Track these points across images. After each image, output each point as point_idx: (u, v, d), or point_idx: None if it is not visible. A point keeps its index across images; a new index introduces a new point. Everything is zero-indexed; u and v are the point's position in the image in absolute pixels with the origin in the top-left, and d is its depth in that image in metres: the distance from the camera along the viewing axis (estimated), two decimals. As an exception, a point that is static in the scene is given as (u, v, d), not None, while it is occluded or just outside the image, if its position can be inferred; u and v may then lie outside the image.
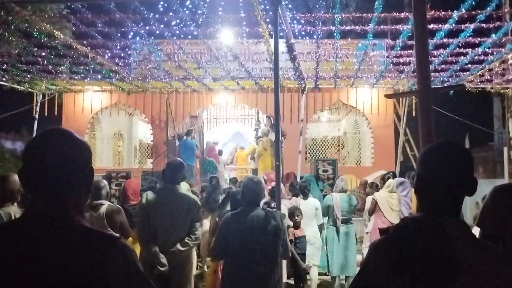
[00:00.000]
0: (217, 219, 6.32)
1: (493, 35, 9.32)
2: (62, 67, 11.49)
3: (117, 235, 1.50)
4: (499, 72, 11.37)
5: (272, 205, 5.70)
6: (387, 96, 11.32)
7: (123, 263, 1.44)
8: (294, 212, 6.93)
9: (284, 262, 5.88)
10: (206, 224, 7.37)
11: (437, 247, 1.48)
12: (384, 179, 8.02)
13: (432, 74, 11.09)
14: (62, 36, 8.74)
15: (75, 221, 1.46)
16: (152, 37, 10.01)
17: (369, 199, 7.94)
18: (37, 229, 1.40)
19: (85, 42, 9.68)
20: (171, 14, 8.80)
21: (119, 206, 5.17)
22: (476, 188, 1.62)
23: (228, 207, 5.82)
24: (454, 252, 1.48)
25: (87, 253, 1.39)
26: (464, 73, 11.65)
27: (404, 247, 1.51)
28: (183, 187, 6.03)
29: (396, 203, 7.28)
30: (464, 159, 1.63)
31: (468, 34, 8.87)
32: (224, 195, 7.70)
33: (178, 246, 4.53)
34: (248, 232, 3.92)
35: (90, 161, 1.56)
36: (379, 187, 8.58)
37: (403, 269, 1.49)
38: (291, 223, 6.87)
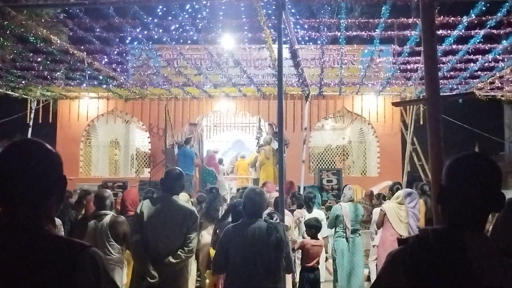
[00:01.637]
0: (217, 231, 6.31)
1: (504, 41, 9.35)
2: (57, 73, 11.55)
3: (88, 243, 1.54)
4: (510, 79, 11.39)
5: (275, 217, 5.70)
6: (394, 104, 11.35)
7: (92, 271, 1.48)
8: (313, 225, 6.83)
9: (288, 277, 5.86)
10: (206, 235, 7.34)
11: (457, 262, 1.48)
12: (392, 189, 8.01)
13: (441, 81, 11.12)
14: (58, 41, 8.80)
15: (45, 230, 1.52)
16: (151, 42, 10.07)
17: (376, 211, 7.92)
18: (5, 238, 1.47)
19: (82, 47, 9.72)
20: (170, 18, 8.89)
21: (123, 217, 5.19)
22: (503, 203, 1.61)
23: (230, 219, 5.81)
24: (475, 268, 1.47)
25: (55, 261, 1.45)
26: (474, 80, 11.68)
27: (423, 259, 1.51)
28: (183, 198, 6.03)
29: (404, 215, 7.26)
30: (493, 172, 1.62)
31: (478, 40, 8.90)
32: (225, 205, 7.70)
33: (170, 258, 4.51)
34: (249, 245, 3.92)
35: (60, 171, 1.63)
36: (386, 198, 8.57)
37: (420, 282, 1.49)
38: (295, 235, 6.86)
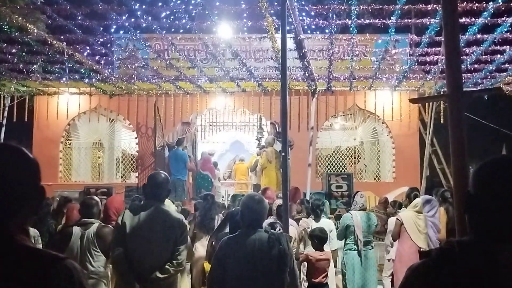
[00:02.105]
0: (213, 242, 6.31)
1: (535, 30, 9.37)
2: (34, 66, 11.58)
3: (63, 255, 1.57)
4: (541, 73, 11.41)
5: (277, 227, 5.70)
6: (412, 101, 11.33)
7: (67, 284, 1.51)
8: (316, 236, 6.83)
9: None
10: (201, 248, 7.35)
11: (486, 279, 1.47)
12: (410, 196, 8.01)
13: (464, 75, 11.13)
14: (35, 30, 8.82)
15: (15, 240, 1.54)
16: (139, 31, 10.09)
17: (392, 221, 7.91)
18: None
19: (61, 37, 9.75)
20: (161, 5, 8.90)
21: (111, 227, 5.19)
22: None
23: (227, 229, 5.82)
24: (506, 286, 1.47)
25: (28, 274, 1.47)
26: (501, 74, 11.69)
27: (448, 274, 1.51)
28: (170, 207, 6.03)
29: (423, 224, 7.26)
30: None
31: (505, 29, 8.91)
32: (221, 214, 7.70)
33: (157, 273, 4.50)
34: (248, 258, 3.90)
35: (38, 180, 1.66)
36: (403, 206, 8.57)
37: None
38: (302, 248, 6.85)
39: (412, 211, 7.44)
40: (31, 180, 1.64)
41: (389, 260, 8.01)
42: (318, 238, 6.78)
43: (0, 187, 1.55)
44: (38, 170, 1.67)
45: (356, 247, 7.39)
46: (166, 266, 4.53)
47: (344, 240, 7.57)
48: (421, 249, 6.85)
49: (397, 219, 7.51)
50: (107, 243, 4.89)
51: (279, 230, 5.22)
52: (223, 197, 14.78)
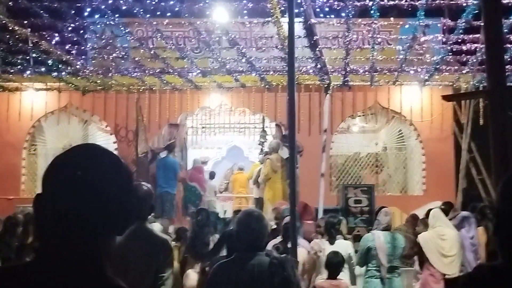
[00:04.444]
0: (207, 269, 6.32)
1: None
2: (-9, 57, 11.62)
3: None
4: None
5: (279, 250, 5.71)
6: (445, 98, 11.35)
7: None
8: (329, 262, 6.82)
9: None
10: (192, 275, 7.38)
11: None
12: (428, 215, 8.04)
13: (507, 67, 11.12)
14: (-7, 14, 8.85)
15: (110, 277, 1.49)
16: (118, 15, 10.10)
17: None
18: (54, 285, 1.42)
19: (25, 22, 9.77)
20: (144, -17, 8.92)
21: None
22: None
23: (224, 253, 5.83)
24: None
25: None
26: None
27: None
28: (155, 227, 6.04)
29: (448, 246, 7.26)
30: None
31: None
32: (217, 235, 7.71)
33: None
34: (246, 287, 3.93)
35: (132, 191, 1.62)
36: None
37: None
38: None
39: (432, 230, 7.45)
40: (127, 192, 1.57)
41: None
42: (330, 264, 6.77)
43: (93, 199, 1.47)
44: (132, 179, 1.63)
45: (378, 273, 7.39)
46: None
47: (366, 266, 7.57)
48: (446, 276, 6.87)
49: (416, 241, 7.53)
50: None
51: (284, 253, 5.23)
52: (218, 213, 14.79)
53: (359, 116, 15.28)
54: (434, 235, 7.32)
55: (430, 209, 8.10)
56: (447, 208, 8.21)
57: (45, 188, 1.50)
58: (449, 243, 7.27)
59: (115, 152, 14.37)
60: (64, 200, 1.46)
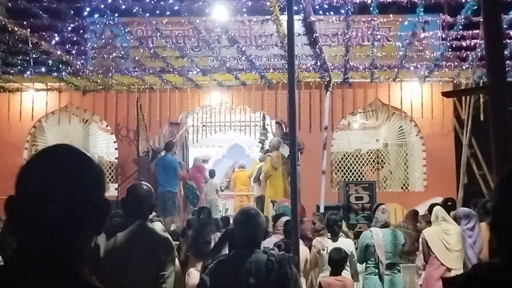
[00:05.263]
0: (209, 266, 6.32)
1: None
2: (-8, 58, 11.61)
3: None
4: None
5: (281, 248, 5.70)
6: (445, 94, 11.34)
7: None
8: (331, 259, 6.82)
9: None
10: (194, 273, 7.38)
11: None
12: (431, 210, 8.03)
13: (507, 62, 11.12)
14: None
15: (82, 277, 1.47)
16: (117, 15, 10.10)
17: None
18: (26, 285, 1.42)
19: (24, 22, 9.76)
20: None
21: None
22: None
23: (226, 251, 5.83)
24: None
25: None
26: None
27: None
28: (156, 226, 6.04)
29: (454, 241, 7.26)
30: None
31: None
32: (218, 233, 7.71)
33: None
34: (243, 284, 3.90)
35: (104, 190, 1.63)
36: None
37: None
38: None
39: (437, 225, 7.45)
40: (98, 190, 1.59)
41: (420, 285, 8.02)
42: (333, 261, 6.78)
43: (66, 197, 1.48)
44: (104, 178, 1.64)
45: (377, 270, 7.40)
46: None
47: (365, 263, 7.59)
48: (444, 276, 6.87)
49: (421, 237, 7.53)
50: None
51: (283, 251, 5.23)
52: (220, 211, 14.80)
53: (360, 113, 15.27)
54: (439, 230, 7.32)
55: (433, 205, 8.07)
56: (451, 204, 8.19)
57: (18, 189, 1.52)
58: (455, 238, 7.27)
59: (115, 152, 14.47)
60: (36, 201, 1.47)
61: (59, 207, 1.46)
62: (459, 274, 1.66)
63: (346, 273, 7.10)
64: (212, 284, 3.99)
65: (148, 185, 5.01)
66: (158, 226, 7.70)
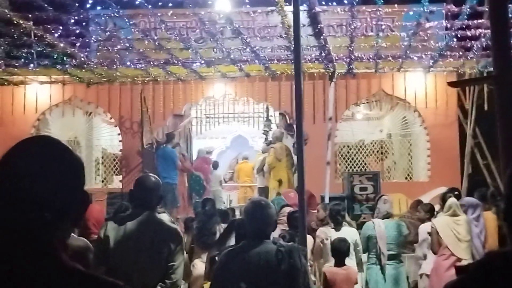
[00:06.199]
0: (216, 258, 6.36)
1: None
2: (-4, 51, 11.62)
3: (122, 283, 1.56)
4: None
5: (286, 238, 5.74)
6: (451, 84, 11.35)
7: None
8: (335, 248, 6.85)
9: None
10: (200, 265, 7.43)
11: None
12: (444, 198, 8.03)
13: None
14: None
15: (64, 262, 1.51)
16: (121, 7, 10.10)
17: (423, 228, 7.94)
18: (9, 268, 1.45)
19: (29, 15, 9.77)
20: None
21: (85, 240, 5.24)
22: None
23: (232, 242, 5.86)
24: None
25: None
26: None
27: None
28: (163, 217, 6.09)
29: (464, 231, 7.28)
30: None
31: None
32: (222, 224, 7.76)
33: None
34: (253, 274, 3.92)
35: (83, 183, 1.66)
36: (437, 210, 8.58)
37: None
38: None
39: (447, 215, 7.47)
40: (77, 182, 1.63)
41: (420, 275, 8.05)
42: (337, 250, 6.80)
43: (43, 189, 1.52)
44: (83, 170, 1.67)
45: (379, 261, 7.44)
46: (158, 287, 4.57)
47: (367, 254, 7.64)
48: (457, 264, 6.89)
49: (431, 226, 7.54)
50: (84, 261, 4.92)
51: (291, 242, 5.26)
52: (224, 203, 14.84)
53: (364, 103, 15.28)
54: (450, 220, 7.33)
55: (447, 194, 8.06)
56: (458, 194, 8.20)
57: (4, 174, 1.54)
58: (465, 228, 7.28)
59: (119, 144, 14.50)
60: (15, 190, 1.50)
61: (37, 196, 1.50)
62: (473, 262, 1.68)
63: (350, 262, 7.14)
64: (221, 274, 4.03)
65: (156, 176, 5.05)
66: (165, 218, 7.75)
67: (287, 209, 8.22)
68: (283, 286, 3.93)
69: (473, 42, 11.47)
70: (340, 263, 6.75)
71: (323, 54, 11.84)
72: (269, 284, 3.93)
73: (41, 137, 1.66)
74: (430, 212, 8.40)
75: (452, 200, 7.60)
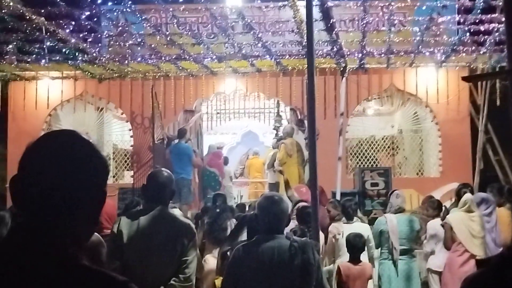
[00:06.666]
0: (228, 253, 6.37)
1: None
2: (9, 46, 11.66)
3: (125, 278, 1.55)
4: None
5: (297, 234, 5.74)
6: (465, 79, 11.30)
7: None
8: (349, 244, 6.83)
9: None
10: (211, 260, 7.43)
11: None
12: (459, 194, 8.01)
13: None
14: (11, 3, 8.89)
15: (77, 259, 1.51)
16: (132, 2, 10.12)
17: (432, 224, 7.91)
18: (20, 262, 1.46)
19: (41, 10, 9.81)
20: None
21: (98, 236, 5.26)
22: None
23: (244, 237, 5.87)
24: None
25: None
26: None
27: (510, 285, 1.54)
28: (176, 212, 6.10)
29: (478, 227, 7.26)
30: None
31: None
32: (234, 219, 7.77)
33: None
34: (266, 269, 3.94)
35: (106, 182, 1.66)
36: (450, 206, 8.55)
37: None
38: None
39: (462, 211, 7.44)
40: (100, 181, 1.64)
41: (429, 271, 8.04)
42: (352, 246, 6.78)
43: (63, 183, 1.52)
44: (107, 169, 1.67)
45: (391, 256, 7.44)
46: (172, 282, 4.57)
47: (380, 249, 7.64)
48: (477, 257, 6.88)
49: (445, 222, 7.52)
50: (97, 256, 4.94)
51: (305, 236, 5.26)
52: (235, 198, 14.86)
53: (375, 98, 15.23)
54: (465, 216, 7.30)
55: (463, 189, 8.04)
56: (471, 189, 8.18)
57: (23, 169, 1.55)
58: (479, 224, 7.26)
59: (130, 139, 14.53)
60: (37, 182, 1.51)
61: (58, 190, 1.51)
62: (494, 255, 1.68)
63: (363, 258, 7.12)
64: (235, 269, 4.04)
65: (169, 171, 5.06)
66: (177, 213, 7.77)
67: (300, 205, 8.24)
68: (296, 281, 3.95)
69: (486, 36, 11.42)
70: (355, 258, 6.73)
71: (334, 49, 11.82)
72: (282, 279, 3.94)
73: (71, 132, 1.65)
74: (438, 209, 8.37)
75: (468, 196, 7.57)
